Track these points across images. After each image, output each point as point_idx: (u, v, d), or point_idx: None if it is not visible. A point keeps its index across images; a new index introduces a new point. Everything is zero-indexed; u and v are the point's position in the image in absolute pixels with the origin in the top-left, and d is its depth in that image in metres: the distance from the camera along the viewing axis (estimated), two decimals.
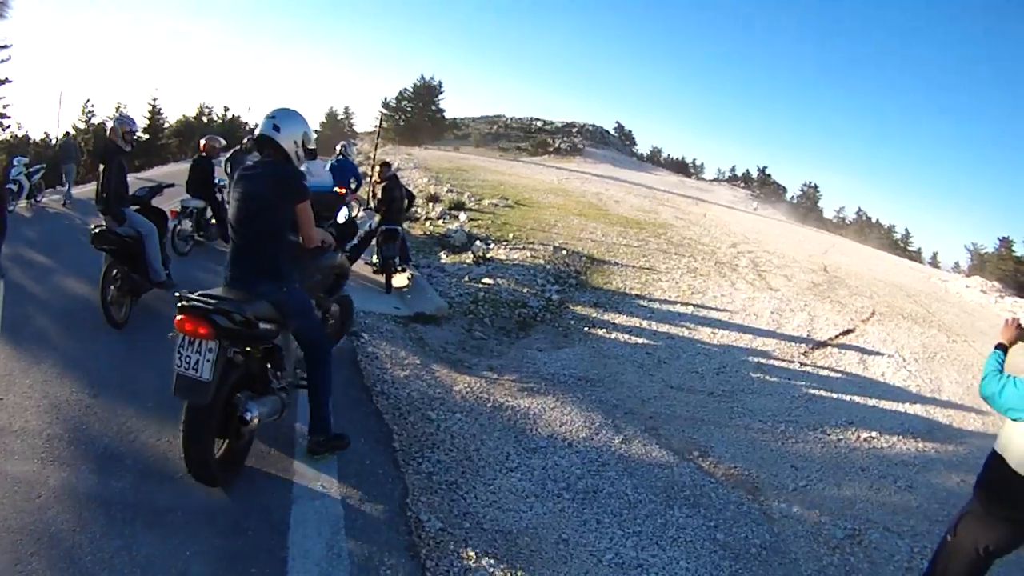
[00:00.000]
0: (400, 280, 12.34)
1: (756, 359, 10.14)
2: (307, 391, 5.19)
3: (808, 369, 10.12)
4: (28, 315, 7.80)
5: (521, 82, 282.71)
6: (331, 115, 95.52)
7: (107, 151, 8.44)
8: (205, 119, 71.52)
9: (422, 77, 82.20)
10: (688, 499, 5.68)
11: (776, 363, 10.15)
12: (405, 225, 13.46)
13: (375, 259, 12.42)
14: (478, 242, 15.70)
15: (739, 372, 9.49)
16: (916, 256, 76.25)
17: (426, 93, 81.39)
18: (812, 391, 9.19)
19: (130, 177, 8.53)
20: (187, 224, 12.17)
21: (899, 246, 77.42)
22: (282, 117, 5.06)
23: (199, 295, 4.43)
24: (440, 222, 19.19)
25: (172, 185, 10.33)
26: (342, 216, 7.84)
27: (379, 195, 12.92)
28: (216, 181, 13.03)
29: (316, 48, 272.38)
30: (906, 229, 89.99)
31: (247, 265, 4.83)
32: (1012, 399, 3.98)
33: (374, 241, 12.43)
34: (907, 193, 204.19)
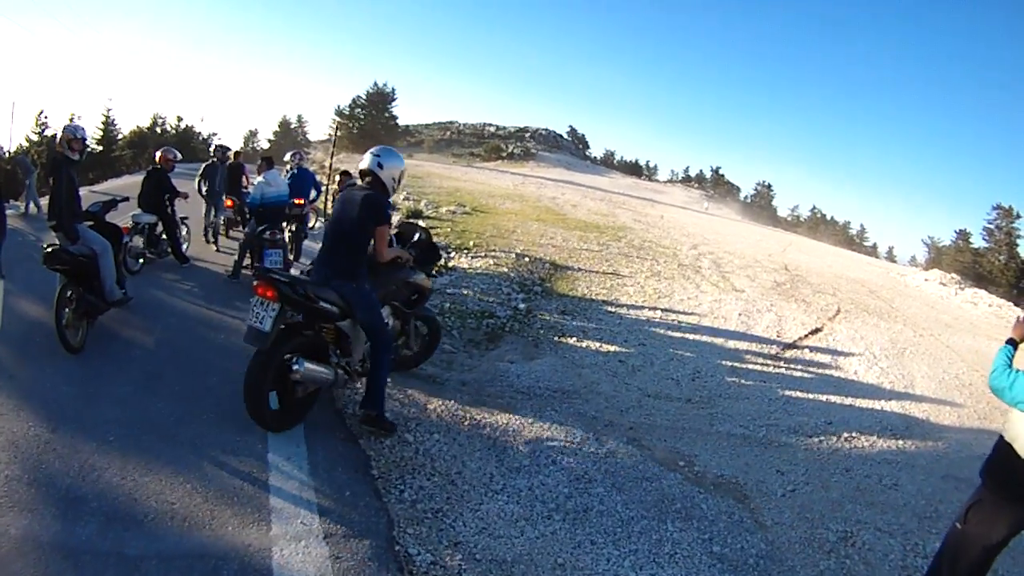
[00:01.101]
0: None
1: (730, 362, 10.06)
2: (369, 371, 6.24)
3: (782, 370, 10.10)
4: None
5: (473, 87, 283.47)
6: (284, 123, 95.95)
7: (55, 163, 7.98)
8: (159, 130, 71.55)
9: (375, 84, 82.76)
10: (680, 512, 5.53)
11: (750, 366, 10.10)
12: None
13: None
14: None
15: (714, 377, 9.39)
16: (872, 251, 78.17)
17: (379, 100, 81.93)
18: (788, 393, 9.15)
19: (83, 191, 8.17)
20: (138, 240, 11.60)
21: (855, 242, 78.91)
22: (385, 156, 6.33)
23: (279, 271, 6.16)
24: None
25: (127, 199, 10.02)
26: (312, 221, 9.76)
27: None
28: (166, 196, 12.39)
29: (268, 55, 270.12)
30: (861, 225, 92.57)
31: (330, 263, 6.11)
32: (1022, 392, 4.16)
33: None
34: (860, 190, 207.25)
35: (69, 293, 7.31)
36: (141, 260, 11.46)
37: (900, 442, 8.02)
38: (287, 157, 15.27)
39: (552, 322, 11.07)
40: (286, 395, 5.81)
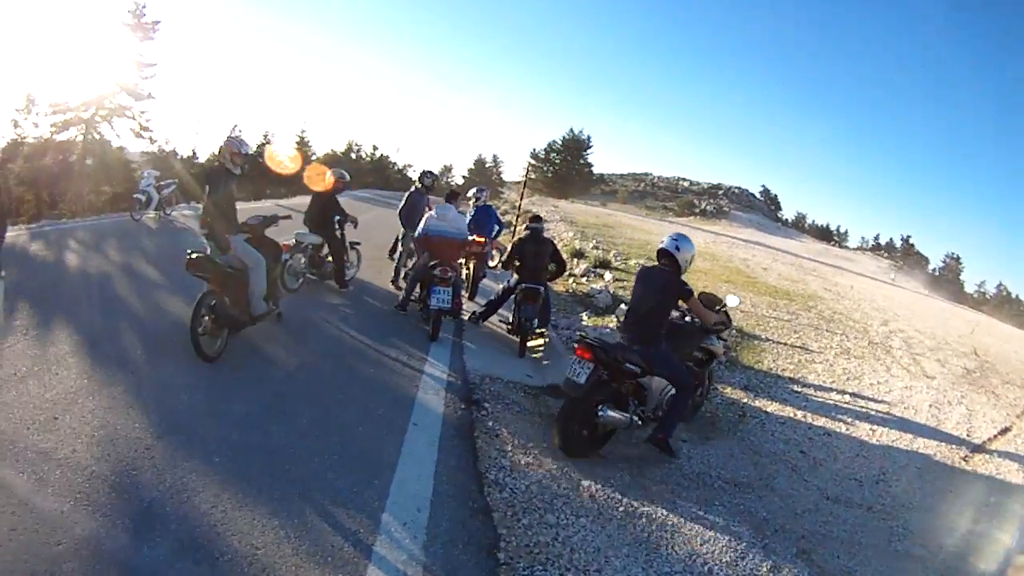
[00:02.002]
0: (535, 343, 11.76)
1: (917, 465, 9.31)
2: (666, 406, 7.66)
3: (969, 480, 9.23)
4: (116, 330, 7.62)
5: (669, 139, 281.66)
6: (479, 162, 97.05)
7: (212, 173, 8.23)
8: (354, 155, 74.93)
9: (571, 130, 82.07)
10: None
11: (937, 471, 9.29)
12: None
13: (511, 318, 11.78)
14: (623, 305, 14.88)
15: (900, 481, 8.72)
16: None
17: (574, 146, 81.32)
18: (974, 509, 8.36)
19: (268, 203, 8.30)
20: (300, 260, 11.82)
21: None
22: (682, 241, 7.71)
23: (598, 338, 7.38)
24: (584, 280, 18.75)
25: (288, 216, 9.90)
26: (493, 261, 10.26)
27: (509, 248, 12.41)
28: (336, 218, 12.53)
29: (470, 94, 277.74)
30: None
31: (635, 329, 7.58)
32: None
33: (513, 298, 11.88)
34: None
35: (212, 302, 7.44)
36: (300, 279, 11.62)
37: None
38: (471, 193, 15.28)
39: (734, 398, 10.61)
40: (591, 430, 7.27)
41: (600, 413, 7.14)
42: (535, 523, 5.49)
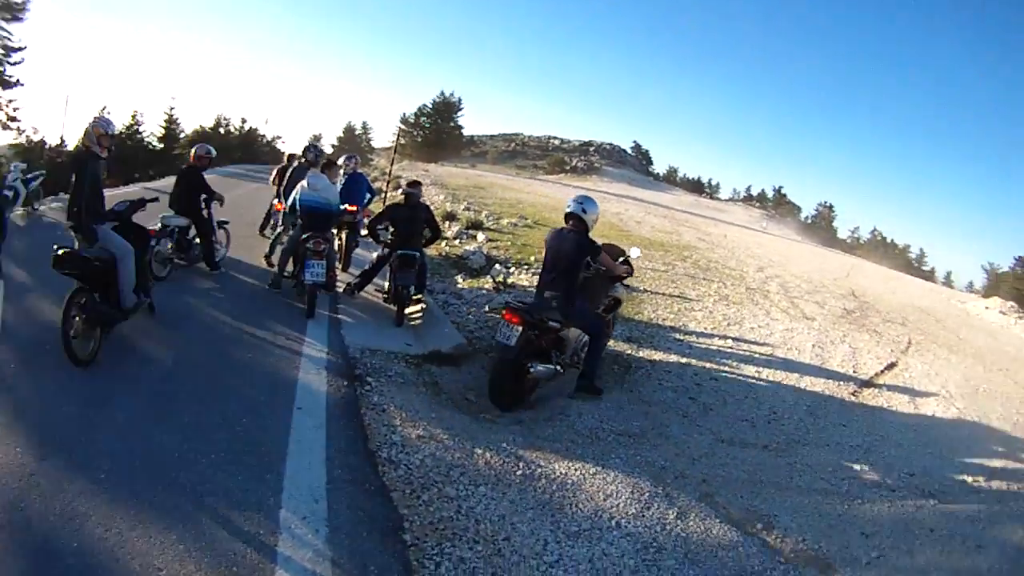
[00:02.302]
0: (413, 310, 11.30)
1: (807, 402, 9.31)
2: (585, 355, 8.43)
3: (860, 413, 9.30)
4: None
5: (538, 100, 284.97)
6: (349, 129, 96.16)
7: (78, 159, 7.42)
8: (223, 130, 71.74)
9: (441, 93, 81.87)
10: None
11: (828, 407, 9.32)
12: None
13: (387, 286, 11.40)
14: (497, 265, 14.76)
15: (791, 418, 8.69)
16: (930, 276, 76.76)
17: (445, 110, 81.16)
18: (868, 439, 8.41)
19: (137, 187, 7.68)
20: (167, 245, 10.98)
21: (913, 266, 77.60)
22: (587, 203, 8.48)
23: (520, 301, 8.49)
24: (456, 242, 18.17)
25: (156, 199, 9.30)
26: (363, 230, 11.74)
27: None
28: (203, 196, 11.67)
29: (337, 62, 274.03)
30: (921, 249, 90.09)
31: (552, 289, 8.21)
32: None
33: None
34: (920, 212, 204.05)
35: (82, 300, 6.76)
36: (169, 266, 10.88)
37: (979, 495, 7.36)
38: (340, 161, 14.67)
39: (617, 350, 10.37)
40: (517, 386, 8.02)
41: (532, 369, 7.95)
42: (435, 498, 5.29)
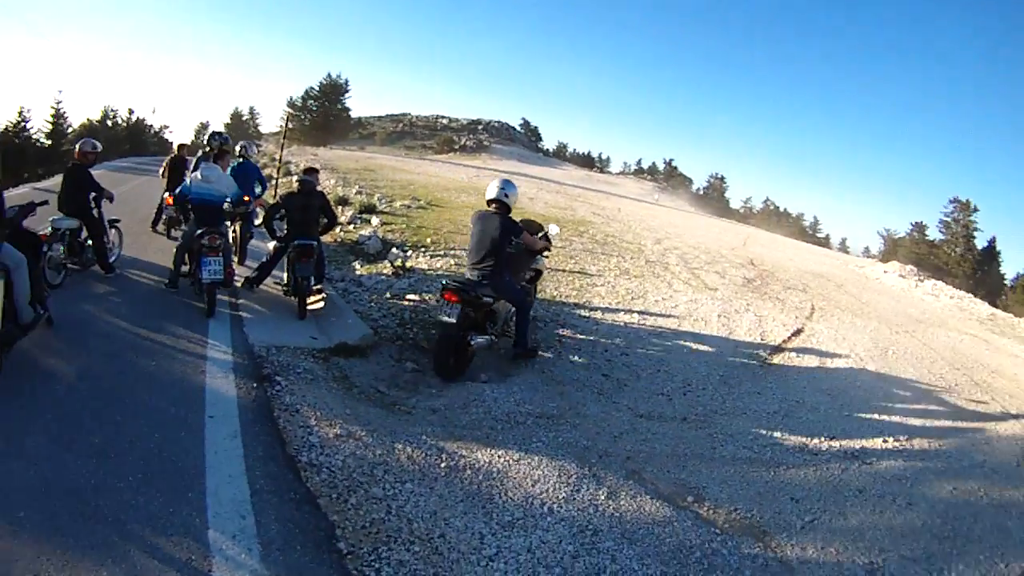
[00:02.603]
0: (314, 301, 10.90)
1: (719, 372, 9.42)
2: (514, 325, 9.05)
3: (773, 378, 9.48)
4: None
5: (425, 79, 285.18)
6: (236, 115, 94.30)
7: None
8: (110, 123, 69.07)
9: (328, 75, 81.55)
10: (702, 562, 4.85)
11: (740, 376, 9.45)
12: None
13: (286, 278, 10.91)
14: (395, 249, 14.44)
15: (706, 389, 8.76)
16: (825, 242, 79.25)
17: (332, 92, 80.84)
18: (785, 404, 8.57)
19: (22, 189, 7.04)
20: (58, 250, 10.03)
21: (808, 233, 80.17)
22: (508, 187, 9.15)
23: (456, 281, 8.64)
24: (351, 227, 17.68)
25: (46, 202, 8.71)
26: (258, 220, 11.57)
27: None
28: (92, 195, 10.81)
29: (221, 48, 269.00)
30: (814, 216, 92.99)
31: (481, 267, 8.78)
32: None
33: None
34: (812, 182, 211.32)
35: None
36: (63, 272, 10.22)
37: (902, 454, 7.54)
38: (236, 149, 14.17)
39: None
40: (460, 357, 8.53)
41: (472, 341, 8.55)
42: (363, 500, 5.08)
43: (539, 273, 10.87)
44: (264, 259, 11.38)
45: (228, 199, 10.47)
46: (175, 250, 10.57)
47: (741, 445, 7.13)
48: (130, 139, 67.69)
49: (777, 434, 7.57)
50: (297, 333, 9.30)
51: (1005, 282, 56.77)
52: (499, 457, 6.03)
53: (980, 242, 62.12)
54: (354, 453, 5.74)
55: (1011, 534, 6.19)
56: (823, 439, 7.60)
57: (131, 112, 73.41)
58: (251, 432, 5.94)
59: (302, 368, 7.72)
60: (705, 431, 7.42)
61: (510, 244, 9.19)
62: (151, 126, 76.46)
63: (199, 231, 9.83)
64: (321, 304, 10.76)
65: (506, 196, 9.05)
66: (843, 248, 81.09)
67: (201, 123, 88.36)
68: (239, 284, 10.88)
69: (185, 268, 10.36)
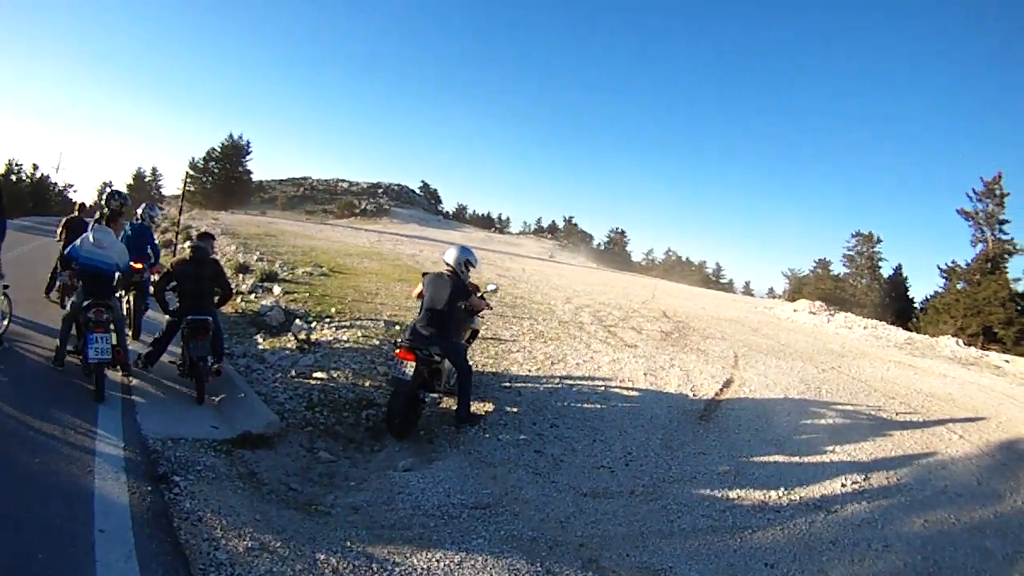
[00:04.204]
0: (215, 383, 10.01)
1: (658, 436, 8.98)
2: (457, 391, 9.14)
3: (715, 437, 9.13)
4: None
5: (326, 141, 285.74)
6: (138, 176, 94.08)
7: None
8: (14, 177, 68.71)
9: (230, 136, 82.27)
10: None
11: (680, 437, 9.05)
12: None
13: (181, 355, 9.96)
14: (298, 320, 13.65)
15: (648, 456, 8.30)
16: (729, 287, 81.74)
17: (234, 153, 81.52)
18: (733, 463, 8.23)
19: None
20: None
21: (711, 280, 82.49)
22: (471, 258, 9.81)
23: (410, 339, 9.11)
24: (252, 296, 16.85)
25: None
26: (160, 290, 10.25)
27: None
28: None
29: (122, 111, 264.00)
30: (716, 263, 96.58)
31: (432, 327, 9.17)
32: None
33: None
34: (709, 230, 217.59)
35: None
36: None
37: (865, 494, 7.47)
38: (139, 211, 13.29)
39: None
40: (411, 414, 8.90)
41: (425, 398, 9.17)
42: None
43: (475, 333, 11.32)
44: (157, 335, 10.56)
45: (119, 268, 9.61)
46: (61, 322, 9.65)
47: (699, 514, 6.73)
48: (34, 196, 67.70)
49: (733, 495, 7.24)
50: (196, 421, 8.42)
51: (915, 305, 58.62)
52: (437, 562, 5.38)
53: (887, 270, 65.14)
54: (271, 570, 4.96)
55: (993, 554, 6.22)
56: (781, 492, 7.36)
57: (35, 168, 73.81)
58: (148, 550, 5.08)
59: (203, 464, 6.88)
60: (658, 503, 6.97)
61: (458, 306, 9.68)
62: (55, 184, 76.76)
63: (86, 302, 8.99)
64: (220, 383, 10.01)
65: (463, 269, 9.68)
66: (747, 291, 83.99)
67: (104, 183, 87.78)
68: (137, 364, 10.02)
69: (76, 342, 9.43)
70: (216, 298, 10.40)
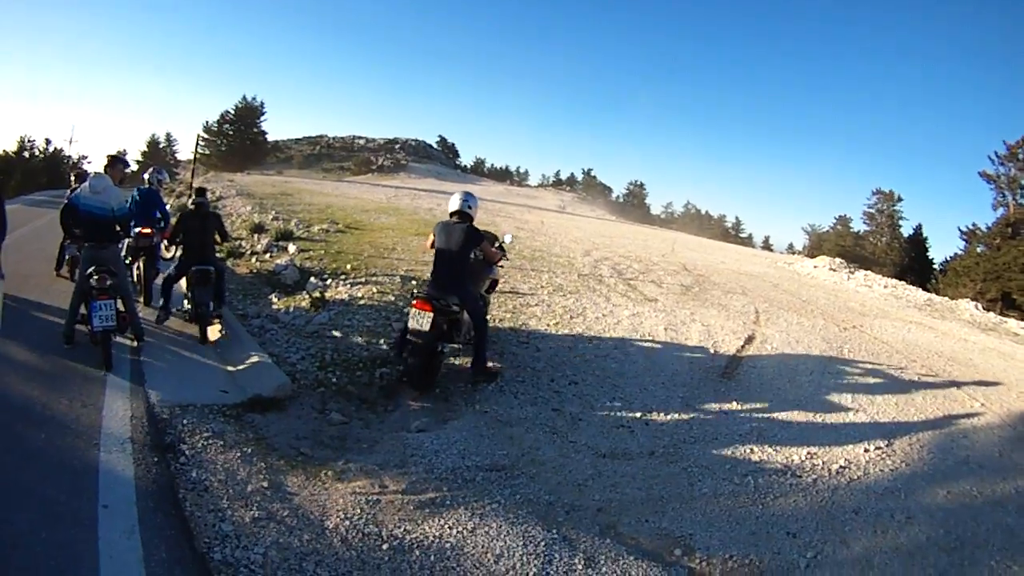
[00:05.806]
0: (215, 329, 10.27)
1: (679, 394, 8.80)
2: (473, 345, 9.06)
3: (737, 395, 8.93)
4: None
5: (342, 99, 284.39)
6: (152, 143, 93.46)
7: None
8: (27, 154, 69.69)
9: (244, 98, 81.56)
10: None
11: (702, 395, 8.87)
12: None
13: (185, 303, 10.53)
14: (313, 278, 13.60)
15: (669, 415, 8.10)
16: (748, 242, 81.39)
17: (248, 115, 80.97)
18: (755, 423, 8.03)
19: None
20: None
21: (731, 234, 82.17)
22: (470, 199, 9.47)
23: (427, 291, 8.97)
24: (267, 256, 16.84)
25: None
26: (167, 253, 11.80)
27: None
28: None
29: (138, 71, 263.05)
30: (736, 217, 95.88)
31: (447, 277, 8.98)
32: None
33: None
34: (731, 183, 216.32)
35: None
36: None
37: (887, 461, 7.25)
38: (147, 176, 13.14)
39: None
40: (431, 367, 8.71)
41: (444, 349, 9.04)
42: None
43: (495, 283, 10.91)
44: (163, 279, 10.87)
45: (114, 213, 9.42)
46: (71, 298, 9.49)
47: (720, 477, 6.55)
48: (48, 171, 67.73)
49: (755, 458, 7.05)
50: (205, 386, 8.25)
51: (934, 267, 58.34)
52: (451, 528, 5.23)
53: (906, 230, 64.97)
54: (277, 542, 4.86)
55: (1014, 532, 6.04)
56: (804, 456, 7.16)
57: (48, 143, 74.00)
58: (152, 525, 4.97)
59: (211, 431, 6.76)
60: (678, 465, 6.78)
61: (472, 254, 9.48)
62: (69, 157, 75.59)
63: (88, 269, 8.86)
64: (218, 336, 10.11)
65: (469, 208, 9.38)
66: (767, 246, 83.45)
67: (119, 150, 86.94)
68: (159, 320, 10.46)
69: (83, 315, 9.28)
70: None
